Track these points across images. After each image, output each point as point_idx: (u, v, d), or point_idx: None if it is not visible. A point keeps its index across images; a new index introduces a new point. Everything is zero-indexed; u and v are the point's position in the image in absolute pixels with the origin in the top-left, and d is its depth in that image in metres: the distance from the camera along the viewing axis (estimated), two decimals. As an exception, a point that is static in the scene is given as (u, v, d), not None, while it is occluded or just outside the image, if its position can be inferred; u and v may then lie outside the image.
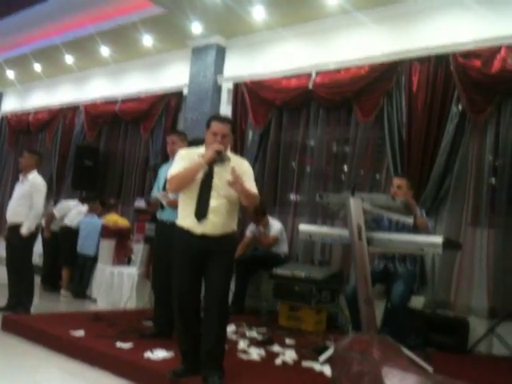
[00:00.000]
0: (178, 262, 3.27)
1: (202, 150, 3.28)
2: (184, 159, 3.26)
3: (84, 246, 6.80)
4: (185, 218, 3.25)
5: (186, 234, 3.22)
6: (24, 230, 5.10)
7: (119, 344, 3.83)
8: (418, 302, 4.90)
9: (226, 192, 3.16)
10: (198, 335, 3.22)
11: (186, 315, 3.23)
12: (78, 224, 6.97)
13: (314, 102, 6.24)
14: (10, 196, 5.55)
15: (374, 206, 3.64)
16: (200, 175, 3.19)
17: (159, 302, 4.29)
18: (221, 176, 3.19)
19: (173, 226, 3.85)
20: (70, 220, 7.05)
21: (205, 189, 3.19)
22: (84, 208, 7.20)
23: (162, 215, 4.31)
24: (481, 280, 4.92)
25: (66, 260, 6.90)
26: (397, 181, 4.48)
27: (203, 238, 3.17)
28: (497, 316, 4.73)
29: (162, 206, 4.27)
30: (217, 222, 3.17)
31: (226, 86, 7.17)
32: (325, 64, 6.12)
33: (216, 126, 3.23)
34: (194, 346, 3.24)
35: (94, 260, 6.75)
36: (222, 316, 3.16)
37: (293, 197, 6.37)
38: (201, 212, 3.16)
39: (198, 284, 3.22)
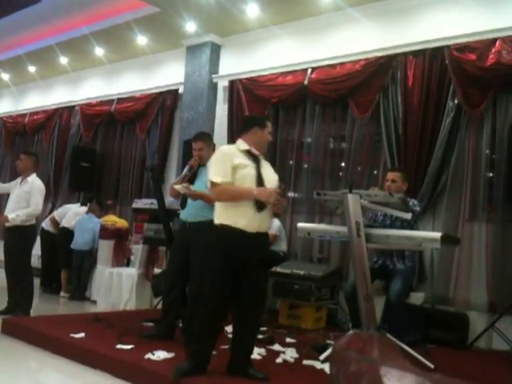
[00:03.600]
0: (219, 264, 3.13)
1: (241, 145, 3.29)
2: (228, 159, 3.19)
3: (78, 242, 6.75)
4: (237, 216, 3.14)
5: (238, 234, 3.12)
6: (10, 217, 5.01)
7: (120, 345, 3.82)
8: (417, 298, 4.91)
9: (272, 186, 3.24)
10: (216, 335, 3.27)
11: (219, 318, 3.26)
12: (74, 225, 6.95)
13: (309, 99, 6.23)
14: (7, 199, 5.53)
15: (372, 202, 3.64)
16: (253, 171, 3.21)
17: (168, 303, 4.23)
18: (265, 169, 3.30)
19: (193, 226, 4.01)
20: (68, 221, 7.04)
21: (260, 183, 3.21)
22: (81, 209, 7.19)
23: (183, 214, 4.25)
24: (480, 275, 4.92)
25: (64, 261, 6.88)
26: (391, 175, 4.41)
27: (256, 237, 3.16)
28: (496, 310, 4.73)
29: (183, 206, 4.22)
30: (267, 219, 3.26)
31: (222, 84, 7.17)
32: (320, 60, 6.11)
33: (270, 126, 3.39)
34: (211, 345, 3.25)
35: (89, 255, 6.71)
36: (260, 316, 3.43)
37: (290, 194, 6.37)
38: (261, 204, 3.14)
39: (234, 286, 3.18)
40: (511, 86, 4.89)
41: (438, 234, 3.43)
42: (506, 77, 4.86)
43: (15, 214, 5.04)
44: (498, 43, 4.89)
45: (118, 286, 6.04)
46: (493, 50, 4.92)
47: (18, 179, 5.38)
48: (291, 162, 6.40)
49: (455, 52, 5.13)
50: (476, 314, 4.85)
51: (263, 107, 6.58)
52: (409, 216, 3.64)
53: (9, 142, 10.57)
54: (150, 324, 4.56)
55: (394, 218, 4.23)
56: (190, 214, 4.15)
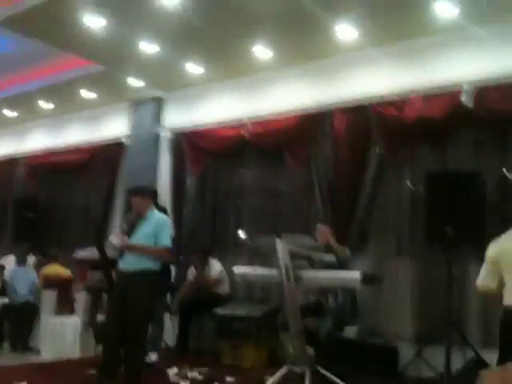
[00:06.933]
0: None
1: None
2: None
3: (13, 295, 6.70)
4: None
5: None
6: None
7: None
8: (351, 331, 5.21)
9: None
10: None
11: None
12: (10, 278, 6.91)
13: (248, 149, 6.64)
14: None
15: (300, 247, 3.95)
16: None
17: (107, 353, 4.26)
18: None
19: (130, 275, 4.09)
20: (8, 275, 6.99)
21: None
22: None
23: (120, 264, 4.33)
24: (406, 309, 5.32)
25: (6, 312, 6.78)
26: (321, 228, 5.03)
27: None
28: (423, 341, 5.10)
29: (121, 255, 4.30)
30: None
31: (166, 136, 7.46)
32: (258, 115, 6.54)
33: None
34: None
35: (27, 307, 6.68)
36: None
37: (231, 238, 6.62)
38: None
39: None
40: (428, 137, 5.45)
41: (357, 275, 3.70)
42: (424, 130, 5.38)
43: None
44: (414, 99, 5.44)
45: (62, 335, 6.02)
46: (410, 106, 5.45)
47: None
48: (232, 207, 6.72)
49: (377, 107, 5.67)
50: (404, 345, 5.16)
51: (205, 157, 6.92)
52: (332, 259, 3.99)
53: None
54: (94, 372, 4.60)
55: None
56: (128, 264, 4.26)
